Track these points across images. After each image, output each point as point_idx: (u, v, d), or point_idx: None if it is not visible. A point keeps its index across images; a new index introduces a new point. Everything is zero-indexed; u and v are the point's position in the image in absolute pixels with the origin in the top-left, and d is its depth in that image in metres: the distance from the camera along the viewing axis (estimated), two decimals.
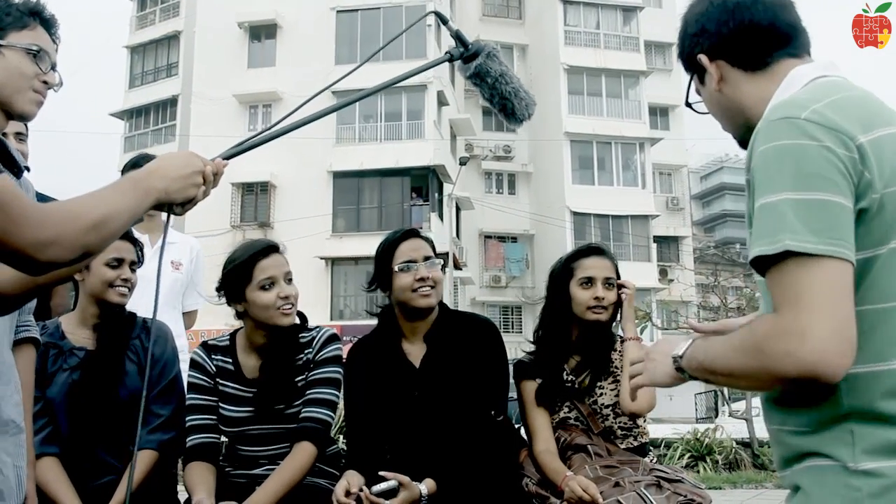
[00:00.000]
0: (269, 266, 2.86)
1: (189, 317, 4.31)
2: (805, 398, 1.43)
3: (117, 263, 2.89)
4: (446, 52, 2.10)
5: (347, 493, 2.66)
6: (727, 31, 1.65)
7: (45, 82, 1.94)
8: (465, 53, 2.07)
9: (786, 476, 1.52)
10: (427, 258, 2.96)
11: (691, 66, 1.75)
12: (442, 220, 29.11)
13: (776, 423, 1.54)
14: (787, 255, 1.33)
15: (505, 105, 2.09)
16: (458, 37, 2.10)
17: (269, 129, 1.87)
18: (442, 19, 2.23)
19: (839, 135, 1.37)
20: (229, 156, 1.81)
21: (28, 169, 2.10)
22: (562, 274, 3.15)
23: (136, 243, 2.98)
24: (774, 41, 1.64)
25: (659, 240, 34.29)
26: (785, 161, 1.37)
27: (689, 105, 1.84)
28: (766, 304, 1.56)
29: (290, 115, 1.91)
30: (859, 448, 1.36)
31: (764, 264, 1.37)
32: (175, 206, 1.69)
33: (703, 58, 1.69)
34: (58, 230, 1.46)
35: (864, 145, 1.37)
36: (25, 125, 3.45)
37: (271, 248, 2.91)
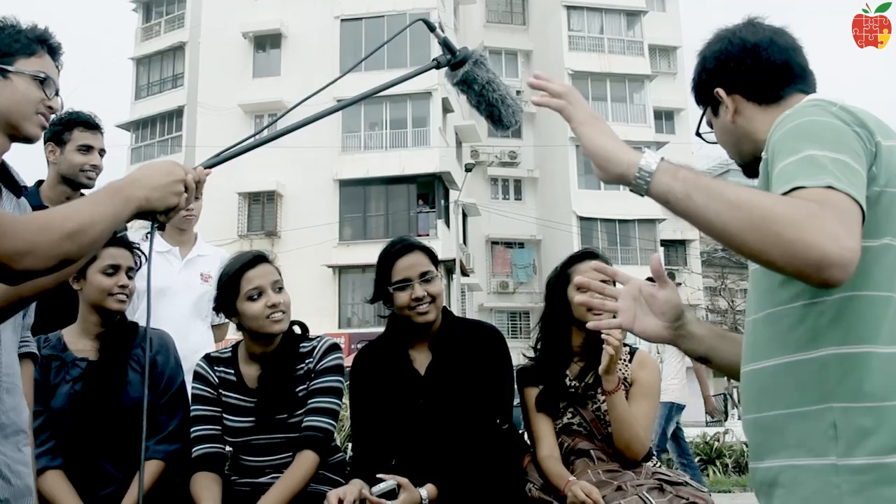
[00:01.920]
0: (256, 276, 2.89)
1: (220, 329, 4.27)
2: (792, 377, 1.48)
3: (113, 271, 2.90)
4: (433, 60, 2.11)
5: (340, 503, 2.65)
6: (744, 68, 1.77)
7: (49, 107, 2.00)
8: (453, 60, 2.09)
9: (759, 469, 1.55)
10: (424, 274, 2.95)
11: (705, 99, 1.86)
12: (448, 226, 29.12)
13: (754, 410, 1.57)
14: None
15: (492, 112, 2.11)
16: (445, 44, 2.12)
17: (253, 136, 1.89)
18: (429, 26, 2.25)
19: (862, 129, 1.48)
20: (211, 164, 1.83)
21: (26, 188, 2.13)
22: (558, 281, 3.16)
23: (133, 249, 2.99)
24: (788, 78, 1.76)
25: (666, 243, 34.26)
26: (822, 130, 1.46)
27: (699, 135, 1.94)
28: (754, 297, 1.62)
29: (270, 123, 1.93)
30: (842, 443, 1.40)
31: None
32: (157, 214, 1.72)
33: (720, 91, 1.80)
34: (32, 240, 1.49)
35: (881, 143, 1.49)
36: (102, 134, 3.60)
37: (258, 259, 2.94)
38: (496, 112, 2.10)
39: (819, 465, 1.41)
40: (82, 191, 3.58)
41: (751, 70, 1.76)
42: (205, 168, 1.80)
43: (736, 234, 1.36)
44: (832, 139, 1.43)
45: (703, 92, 1.85)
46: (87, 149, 3.52)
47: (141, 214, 1.70)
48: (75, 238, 1.54)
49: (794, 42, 1.79)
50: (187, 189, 1.74)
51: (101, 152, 3.58)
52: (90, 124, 3.55)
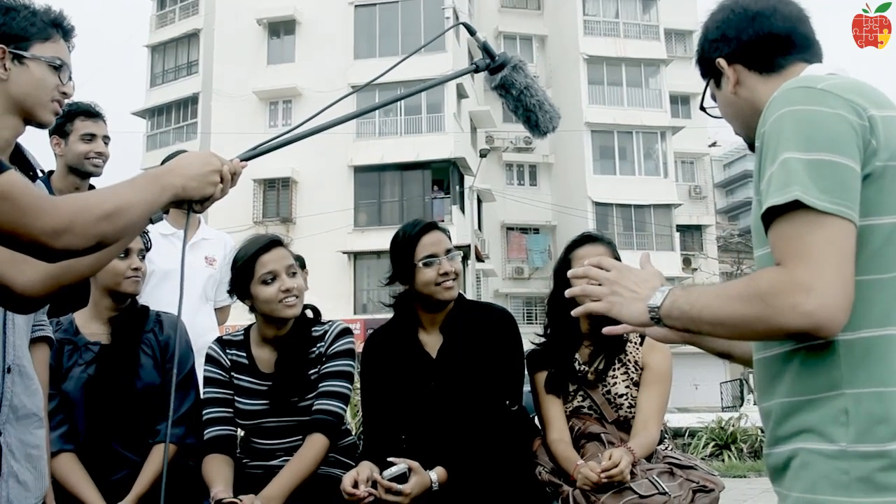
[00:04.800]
0: (270, 260, 2.90)
1: (221, 312, 4.32)
2: (804, 364, 1.47)
3: (125, 254, 2.91)
4: (472, 63, 2.14)
5: (356, 485, 2.68)
6: (746, 38, 1.73)
7: (63, 93, 2.00)
8: (492, 65, 2.11)
9: (772, 454, 1.54)
10: (448, 251, 2.98)
11: (709, 71, 1.83)
12: (463, 212, 29.10)
13: (767, 398, 1.57)
14: (794, 209, 1.39)
15: (529, 117, 2.13)
16: (485, 48, 2.15)
17: (289, 132, 1.92)
18: (469, 30, 2.27)
19: (852, 104, 1.45)
20: (247, 157, 1.87)
21: (44, 171, 2.16)
22: (562, 266, 3.18)
23: (142, 233, 3.00)
24: (791, 48, 1.72)
25: (682, 229, 34.14)
26: (800, 124, 1.45)
27: (703, 109, 1.91)
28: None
29: (310, 119, 1.95)
30: (852, 429, 1.38)
31: (771, 218, 1.43)
32: (194, 203, 1.76)
33: (721, 62, 1.77)
34: (71, 219, 1.53)
35: (875, 116, 1.46)
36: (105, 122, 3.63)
37: (273, 243, 2.96)
38: (533, 117, 2.12)
39: (829, 450, 1.40)
40: (91, 181, 3.62)
41: (752, 39, 1.72)
42: (241, 161, 1.84)
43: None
44: (808, 134, 1.43)
45: (707, 63, 1.81)
46: (90, 137, 3.55)
47: (177, 203, 1.73)
48: (112, 219, 1.58)
49: (799, 12, 1.74)
50: (223, 180, 1.77)
51: (106, 139, 3.61)
52: (91, 113, 3.57)
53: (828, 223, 1.37)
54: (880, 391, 1.39)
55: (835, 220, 1.37)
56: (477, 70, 2.13)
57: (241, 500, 2.63)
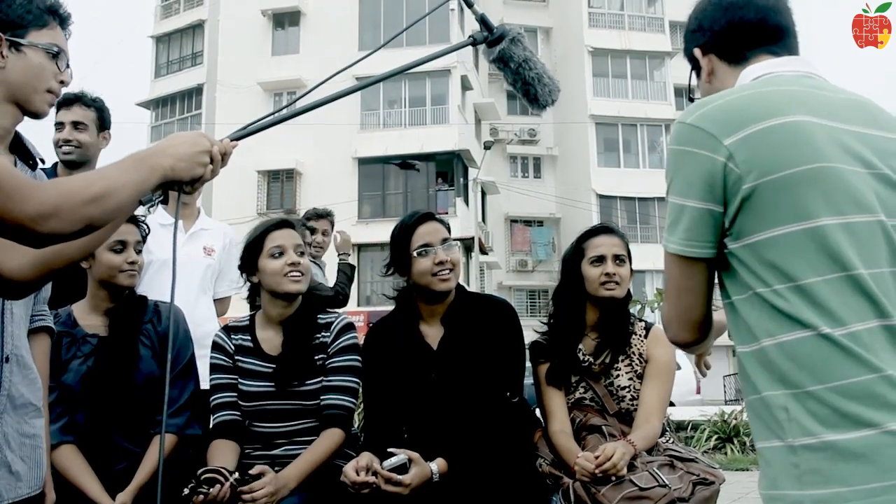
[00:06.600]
0: (280, 236, 2.97)
1: (221, 303, 4.32)
2: (747, 367, 1.55)
3: (121, 247, 2.91)
4: (470, 36, 2.12)
5: (357, 473, 2.69)
6: (718, 27, 1.78)
7: (60, 81, 1.99)
8: (490, 38, 2.09)
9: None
10: (444, 241, 2.97)
11: (692, 62, 1.87)
12: (467, 204, 29.09)
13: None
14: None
15: (528, 90, 2.12)
16: (482, 20, 2.12)
17: (279, 111, 1.90)
18: (467, 2, 2.25)
19: (712, 139, 1.53)
20: (238, 137, 1.83)
21: (43, 161, 2.14)
22: (573, 255, 3.17)
23: (139, 224, 3.00)
24: (759, 38, 1.74)
25: None
26: (669, 165, 1.61)
27: (691, 100, 1.91)
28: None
29: (297, 98, 1.94)
30: (794, 425, 1.43)
31: None
32: (183, 184, 1.71)
33: (697, 51, 1.82)
34: (57, 203, 1.49)
35: (736, 143, 1.51)
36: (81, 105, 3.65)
37: (284, 222, 3.03)
38: (532, 90, 2.11)
39: (780, 447, 1.45)
40: (79, 170, 3.64)
41: (723, 28, 1.76)
42: (231, 140, 1.80)
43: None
44: (672, 177, 1.59)
45: (690, 55, 1.86)
46: (59, 126, 3.62)
47: (167, 185, 1.69)
48: (99, 202, 1.54)
49: (776, 2, 1.76)
50: (213, 160, 1.73)
51: (77, 125, 3.62)
52: (61, 102, 3.59)
53: (675, 263, 1.61)
54: (813, 388, 1.43)
55: (680, 260, 1.59)
56: (475, 43, 2.11)
57: (223, 469, 2.67)
